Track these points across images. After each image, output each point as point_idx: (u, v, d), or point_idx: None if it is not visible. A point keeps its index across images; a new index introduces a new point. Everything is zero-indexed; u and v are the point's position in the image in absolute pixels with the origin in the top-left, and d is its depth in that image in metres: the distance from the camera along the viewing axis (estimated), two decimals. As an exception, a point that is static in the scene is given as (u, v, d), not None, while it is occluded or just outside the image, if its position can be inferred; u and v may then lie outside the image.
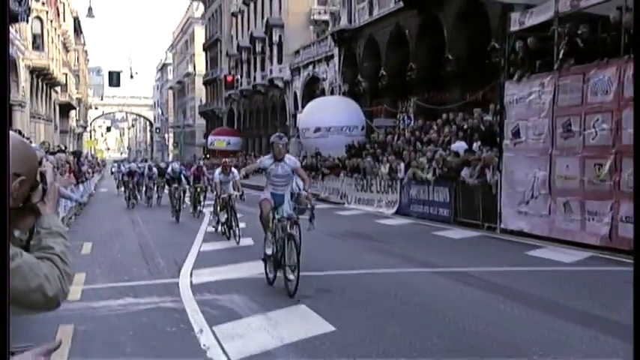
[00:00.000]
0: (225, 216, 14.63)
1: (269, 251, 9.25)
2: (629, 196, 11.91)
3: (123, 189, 29.86)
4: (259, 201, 9.69)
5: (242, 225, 14.52)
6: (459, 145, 19.90)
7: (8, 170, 1.66)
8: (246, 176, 13.23)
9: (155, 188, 27.45)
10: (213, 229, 15.78)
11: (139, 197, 28.08)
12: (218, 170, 15.89)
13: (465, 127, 22.47)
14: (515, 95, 15.36)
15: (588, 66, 13.22)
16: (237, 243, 13.39)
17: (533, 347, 6.15)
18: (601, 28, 13.82)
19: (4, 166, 1.63)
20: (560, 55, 14.11)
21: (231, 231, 14.13)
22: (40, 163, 2.23)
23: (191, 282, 9.52)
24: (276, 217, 9.34)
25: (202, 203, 21.44)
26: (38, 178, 1.98)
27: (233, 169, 16.11)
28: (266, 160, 9.85)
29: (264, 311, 7.54)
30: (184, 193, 21.17)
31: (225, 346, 6.10)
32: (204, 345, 6.21)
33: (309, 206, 10.40)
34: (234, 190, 15.03)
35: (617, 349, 6.11)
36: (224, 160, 17.78)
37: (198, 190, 21.06)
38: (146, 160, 40.84)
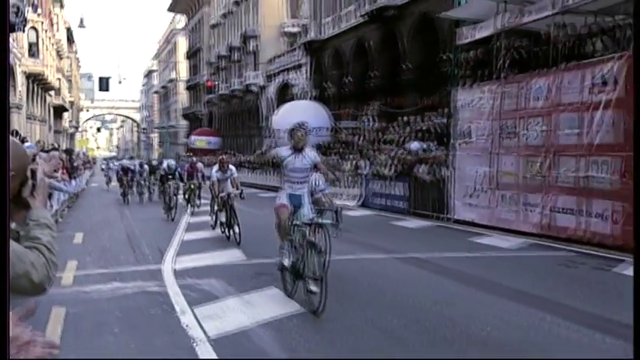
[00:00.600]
0: (225, 215, 12.65)
1: (286, 262, 7.32)
2: (563, 190, 12.16)
3: (118, 185, 27.27)
4: (275, 207, 7.62)
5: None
6: (415, 145, 20.14)
7: (8, 170, 1.64)
8: (254, 163, 11.79)
9: (146, 185, 25.32)
10: (212, 228, 13.82)
11: (133, 193, 25.65)
12: (215, 168, 13.55)
13: (420, 128, 22.71)
14: (464, 100, 15.54)
15: (527, 75, 13.43)
16: (238, 243, 11.49)
17: (474, 321, 6.25)
18: (537, 42, 14.04)
19: (4, 165, 1.60)
20: (506, 65, 14.30)
21: (231, 231, 12.28)
22: (34, 159, 2.19)
23: (173, 268, 9.45)
24: (295, 222, 7.41)
25: (198, 202, 18.84)
26: (29, 174, 1.96)
27: (231, 166, 13.92)
28: (283, 151, 7.80)
29: (240, 294, 7.52)
30: (177, 190, 18.52)
31: (205, 326, 6.08)
32: (185, 325, 6.18)
33: (329, 207, 8.63)
34: (232, 188, 13.04)
35: (548, 322, 6.22)
36: (221, 156, 15.54)
37: (192, 187, 18.65)
38: (132, 158, 40.25)
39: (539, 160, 12.71)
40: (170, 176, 18.71)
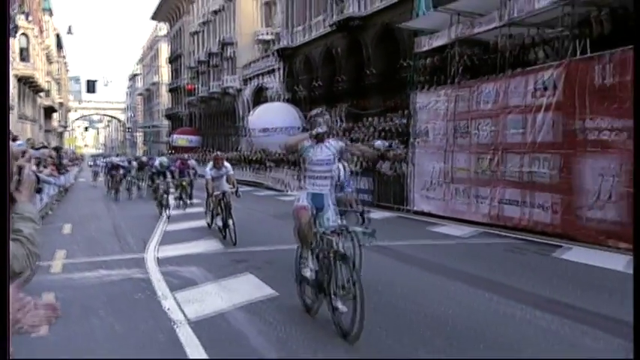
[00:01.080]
0: (220, 215, 11.14)
1: (307, 273, 5.72)
2: (509, 184, 12.34)
3: (104, 181, 25.78)
4: (293, 209, 5.83)
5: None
6: (378, 143, 20.22)
7: (8, 170, 1.60)
8: (287, 148, 7.49)
9: (134, 181, 23.46)
10: (207, 226, 12.30)
11: (121, 190, 23.11)
12: (209, 165, 11.98)
13: (383, 128, 22.85)
14: (422, 103, 15.67)
15: (478, 80, 13.58)
16: (234, 244, 10.14)
17: (431, 301, 6.32)
18: (486, 51, 14.20)
19: (4, 165, 1.55)
20: (459, 71, 14.45)
21: (227, 230, 10.79)
22: (24, 155, 2.18)
23: (156, 256, 9.37)
24: (319, 229, 5.68)
25: (189, 201, 17.26)
26: (15, 169, 1.95)
27: (226, 162, 12.20)
28: (305, 142, 5.91)
29: (218, 280, 7.49)
30: (169, 188, 16.30)
31: (185, 309, 6.05)
32: (167, 308, 6.14)
33: (354, 208, 7.59)
34: (228, 185, 11.52)
35: (494, 301, 6.30)
36: (216, 153, 13.78)
37: (184, 184, 17.16)
38: (119, 155, 39.50)
39: (488, 157, 12.89)
40: (162, 174, 16.64)
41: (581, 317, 5.72)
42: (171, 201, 16.24)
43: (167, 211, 15.00)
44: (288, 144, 6.67)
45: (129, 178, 23.47)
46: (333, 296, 5.31)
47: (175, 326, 5.51)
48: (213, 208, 11.54)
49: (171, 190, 16.77)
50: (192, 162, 19.62)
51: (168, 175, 16.63)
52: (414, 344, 4.95)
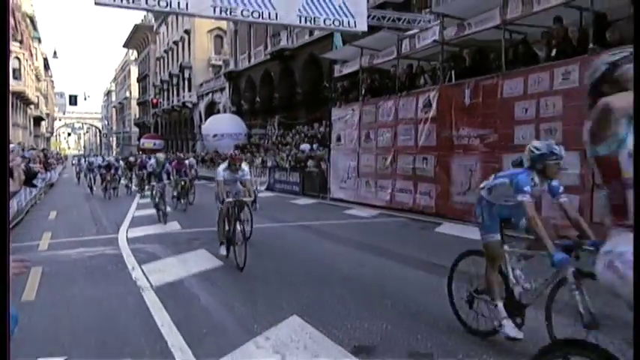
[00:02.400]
0: (228, 228, 6.96)
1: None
2: (402, 177, 12.61)
3: (85, 179, 21.68)
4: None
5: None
6: (305, 146, 20.37)
7: (8, 170, 1.46)
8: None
9: (117, 179, 18.53)
10: (220, 247, 7.18)
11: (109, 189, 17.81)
12: (222, 166, 7.60)
13: (308, 135, 22.99)
14: (337, 116, 15.83)
15: (379, 98, 13.87)
16: (241, 270, 6.25)
17: (343, 265, 6.44)
18: (386, 76, 14.55)
19: (4, 166, 1.39)
20: (365, 92, 14.74)
21: (234, 249, 6.65)
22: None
23: (127, 236, 9.13)
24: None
25: (192, 197, 14.04)
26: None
27: (244, 165, 7.89)
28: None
29: (177, 254, 7.39)
30: (164, 189, 11.17)
31: (150, 277, 5.96)
32: (135, 277, 6.04)
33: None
34: (244, 194, 7.46)
35: (396, 269, 6.33)
36: (232, 151, 8.48)
37: (183, 184, 13.48)
38: (96, 155, 37.47)
39: (387, 157, 13.14)
40: (157, 175, 11.32)
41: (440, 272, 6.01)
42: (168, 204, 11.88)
43: (164, 217, 10.69)
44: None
45: (116, 177, 18.47)
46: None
47: (142, 291, 5.43)
48: (224, 217, 7.11)
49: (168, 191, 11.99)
50: (191, 160, 16.05)
51: (164, 176, 11.32)
52: (330, 298, 5.02)
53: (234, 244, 6.67)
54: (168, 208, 11.48)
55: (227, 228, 6.92)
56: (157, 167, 11.38)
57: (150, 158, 15.91)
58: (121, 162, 21.85)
